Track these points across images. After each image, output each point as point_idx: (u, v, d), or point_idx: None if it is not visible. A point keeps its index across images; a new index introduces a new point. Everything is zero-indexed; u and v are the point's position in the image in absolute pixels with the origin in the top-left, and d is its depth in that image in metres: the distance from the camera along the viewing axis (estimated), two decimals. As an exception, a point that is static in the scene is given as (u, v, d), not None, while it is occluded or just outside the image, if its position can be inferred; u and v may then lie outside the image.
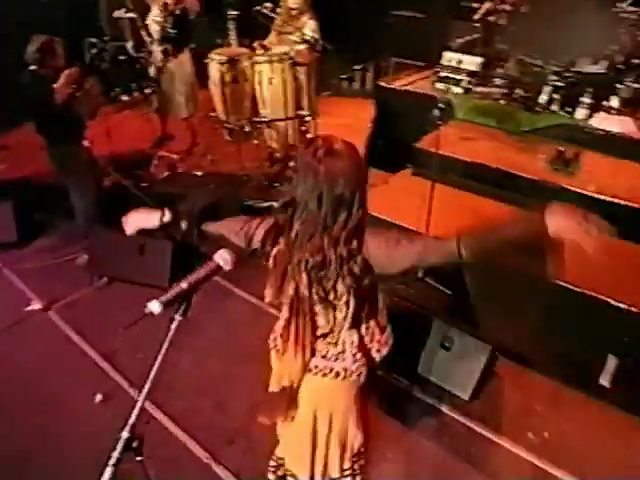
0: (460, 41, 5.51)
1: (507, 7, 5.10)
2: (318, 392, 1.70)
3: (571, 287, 2.74)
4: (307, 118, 4.12)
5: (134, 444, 1.32)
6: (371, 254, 1.43)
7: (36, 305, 3.58)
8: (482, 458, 2.45)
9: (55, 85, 3.45)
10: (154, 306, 1.26)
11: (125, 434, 1.29)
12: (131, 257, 3.63)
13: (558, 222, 1.28)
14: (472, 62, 5.23)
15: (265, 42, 4.20)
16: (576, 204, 1.34)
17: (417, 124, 4.19)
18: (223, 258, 1.40)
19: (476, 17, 5.29)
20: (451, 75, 5.20)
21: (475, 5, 5.30)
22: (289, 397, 1.68)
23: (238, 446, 2.52)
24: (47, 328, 3.40)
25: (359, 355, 1.65)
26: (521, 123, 4.50)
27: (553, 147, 3.98)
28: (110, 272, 3.74)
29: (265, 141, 4.38)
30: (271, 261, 1.54)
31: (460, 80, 5.18)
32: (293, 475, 1.93)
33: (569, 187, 3.57)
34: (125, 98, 5.80)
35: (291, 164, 3.99)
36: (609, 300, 2.64)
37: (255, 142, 4.38)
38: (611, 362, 2.62)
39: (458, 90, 5.15)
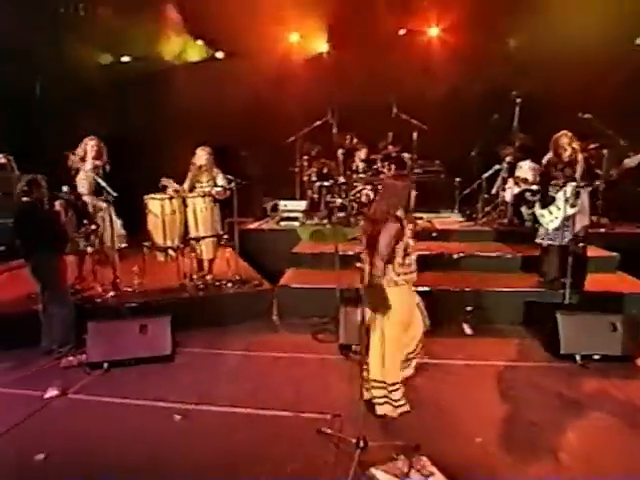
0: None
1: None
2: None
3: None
4: (225, 235, 5.89)
5: None
6: None
7: (53, 392, 4.04)
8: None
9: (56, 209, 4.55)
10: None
11: None
12: (133, 337, 4.51)
13: None
14: (300, 205, 7.90)
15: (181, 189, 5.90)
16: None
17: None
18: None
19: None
20: (289, 215, 7.73)
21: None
22: (382, 290, 3.40)
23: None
24: (78, 405, 3.93)
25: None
26: (346, 235, 7.01)
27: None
28: (114, 356, 4.45)
29: (198, 254, 5.86)
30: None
31: (296, 218, 7.73)
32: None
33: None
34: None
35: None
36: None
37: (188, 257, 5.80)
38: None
39: (297, 223, 7.63)
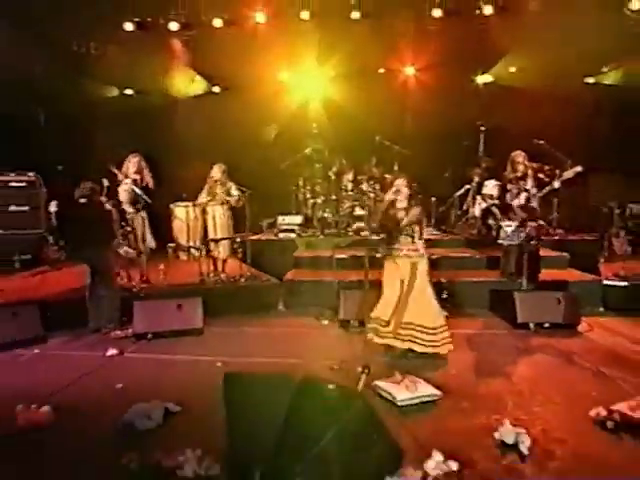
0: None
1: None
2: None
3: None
4: (238, 239, 7.05)
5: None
6: None
7: (113, 351, 5.06)
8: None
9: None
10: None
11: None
12: (172, 313, 5.57)
13: None
14: (297, 219, 9.09)
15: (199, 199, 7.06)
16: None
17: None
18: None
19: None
20: (287, 228, 8.90)
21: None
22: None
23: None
24: (135, 360, 4.98)
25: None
26: (337, 243, 8.21)
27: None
28: (156, 328, 5.48)
29: (215, 254, 6.97)
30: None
31: (293, 230, 8.90)
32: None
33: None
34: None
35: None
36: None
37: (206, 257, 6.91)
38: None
39: (293, 235, 8.80)
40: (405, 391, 3.74)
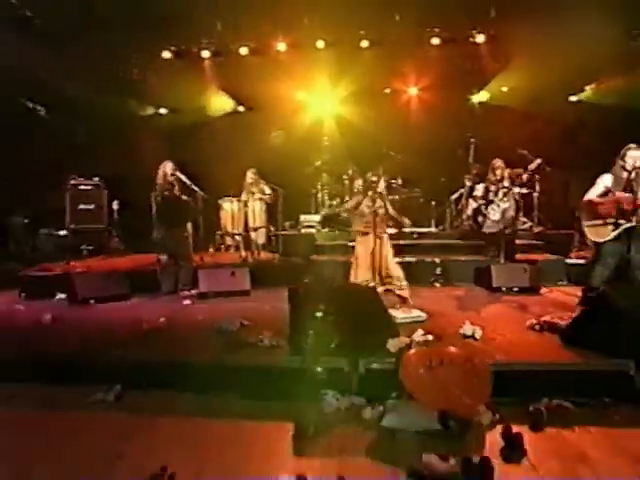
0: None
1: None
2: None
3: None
4: (272, 228, 8.92)
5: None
6: None
7: (187, 301, 6.91)
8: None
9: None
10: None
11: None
12: (227, 278, 7.41)
13: None
14: (316, 217, 10.97)
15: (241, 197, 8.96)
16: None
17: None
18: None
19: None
20: (309, 224, 10.78)
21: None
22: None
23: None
24: (205, 304, 6.86)
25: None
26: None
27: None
28: (215, 289, 7.32)
29: (254, 239, 8.85)
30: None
31: (314, 226, 10.77)
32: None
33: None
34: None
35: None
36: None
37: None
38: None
39: (313, 230, 10.66)
40: (402, 313, 5.55)
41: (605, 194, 5.90)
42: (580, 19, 9.01)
